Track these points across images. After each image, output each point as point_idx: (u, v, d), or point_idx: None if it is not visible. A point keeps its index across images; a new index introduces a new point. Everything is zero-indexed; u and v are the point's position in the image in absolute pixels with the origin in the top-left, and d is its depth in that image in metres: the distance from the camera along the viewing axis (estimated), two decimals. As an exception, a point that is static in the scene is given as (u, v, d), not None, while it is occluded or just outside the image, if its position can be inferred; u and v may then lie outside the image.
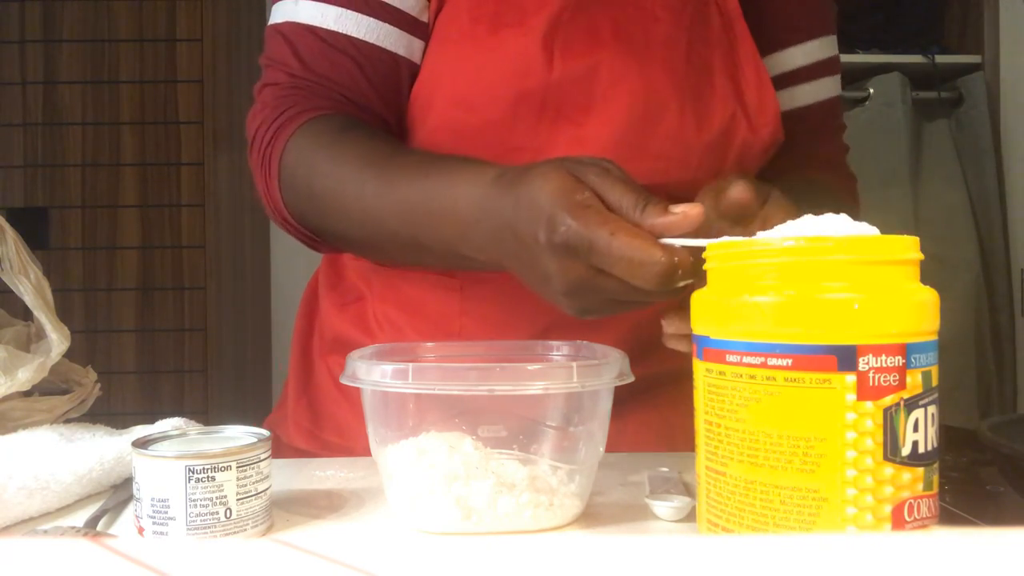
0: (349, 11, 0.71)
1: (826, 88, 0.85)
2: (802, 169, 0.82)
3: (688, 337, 0.47)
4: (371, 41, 0.71)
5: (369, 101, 0.72)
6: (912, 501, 0.37)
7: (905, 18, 2.14)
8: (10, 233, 0.69)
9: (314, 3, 0.71)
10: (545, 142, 0.70)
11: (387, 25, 0.71)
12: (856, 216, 0.71)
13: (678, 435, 0.76)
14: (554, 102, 0.70)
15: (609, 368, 0.51)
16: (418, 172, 0.62)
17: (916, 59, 2.05)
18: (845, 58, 2.13)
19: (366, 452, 0.54)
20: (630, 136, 0.71)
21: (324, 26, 0.71)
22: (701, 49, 0.75)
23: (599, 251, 0.48)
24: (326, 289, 0.84)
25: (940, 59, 2.05)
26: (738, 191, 0.53)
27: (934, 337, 0.39)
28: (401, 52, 0.72)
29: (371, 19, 0.71)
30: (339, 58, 0.71)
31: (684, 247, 0.49)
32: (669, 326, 0.55)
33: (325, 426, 0.80)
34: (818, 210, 0.44)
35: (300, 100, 0.70)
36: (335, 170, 0.66)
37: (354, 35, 0.71)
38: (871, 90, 2.03)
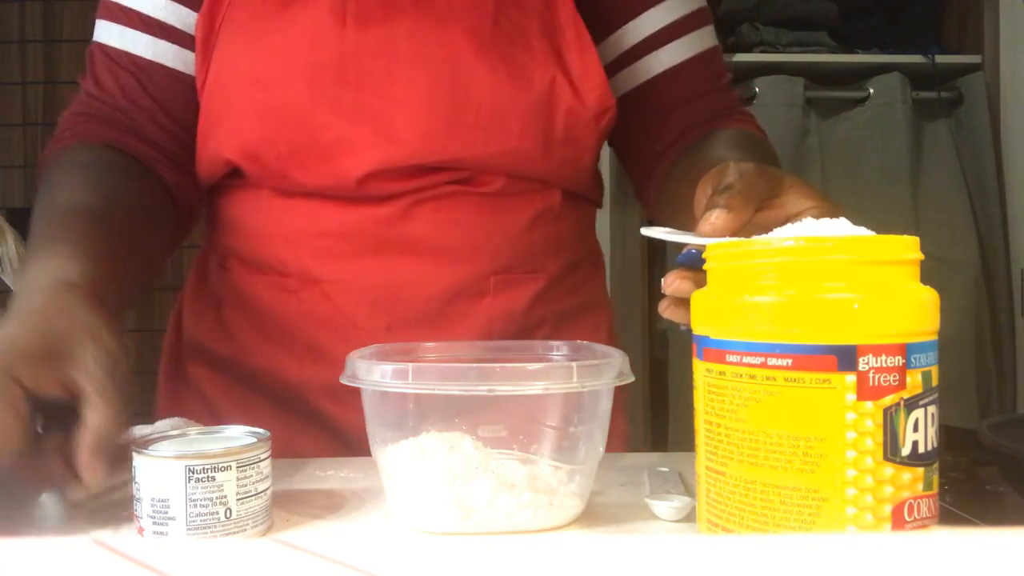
0: (128, 29, 0.75)
1: (698, 42, 0.81)
2: (701, 125, 0.79)
3: (685, 305, 0.46)
4: (148, 57, 0.75)
5: (153, 114, 0.76)
6: (912, 501, 0.37)
7: (905, 18, 2.14)
8: (10, 233, 0.69)
9: (106, 23, 0.76)
10: (350, 117, 0.70)
11: (163, 42, 0.75)
12: (766, 144, 0.71)
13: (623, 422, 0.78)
14: (353, 74, 0.69)
15: (609, 368, 0.51)
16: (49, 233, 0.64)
17: (916, 59, 2.04)
18: (845, 58, 2.13)
19: None
20: (438, 106, 0.70)
21: (110, 43, 0.76)
22: (512, 12, 0.72)
23: (96, 394, 0.51)
24: (190, 298, 0.85)
25: (940, 59, 2.04)
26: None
27: (934, 337, 0.39)
28: (179, 68, 0.76)
29: (148, 36, 0.75)
30: (122, 74, 0.75)
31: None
32: (667, 287, 0.52)
33: None
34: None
35: (79, 124, 0.75)
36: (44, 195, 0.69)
37: (133, 52, 0.75)
38: (871, 90, 2.03)
